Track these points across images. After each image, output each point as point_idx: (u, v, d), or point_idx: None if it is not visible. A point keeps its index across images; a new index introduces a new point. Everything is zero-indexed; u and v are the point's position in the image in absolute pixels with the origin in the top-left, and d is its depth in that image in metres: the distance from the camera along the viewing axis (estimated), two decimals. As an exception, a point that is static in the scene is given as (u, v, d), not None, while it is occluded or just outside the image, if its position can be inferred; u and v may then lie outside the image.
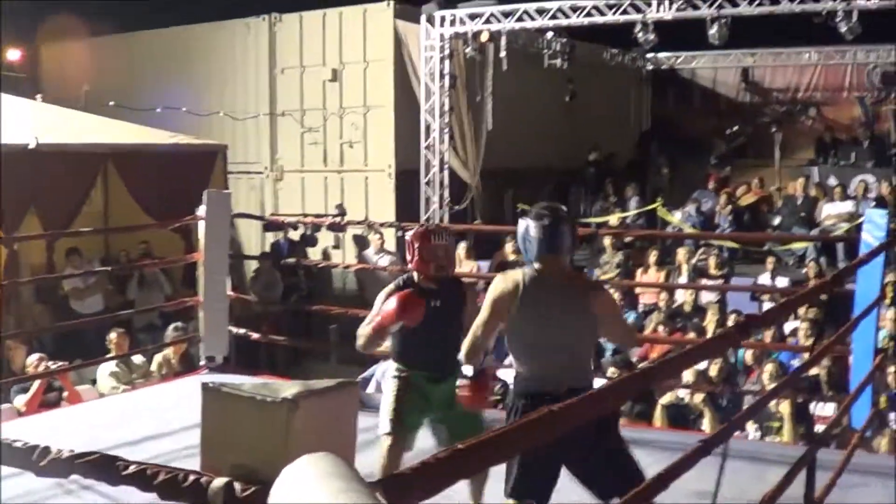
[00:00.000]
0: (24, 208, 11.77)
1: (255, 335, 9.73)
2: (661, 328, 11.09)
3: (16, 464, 2.27)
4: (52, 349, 10.12)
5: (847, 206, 15.10)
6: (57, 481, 5.35)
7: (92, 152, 13.10)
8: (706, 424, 8.46)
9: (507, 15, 14.69)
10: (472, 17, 15.03)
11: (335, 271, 15.30)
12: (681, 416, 8.76)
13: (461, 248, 13.91)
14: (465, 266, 13.64)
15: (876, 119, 19.37)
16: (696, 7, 13.29)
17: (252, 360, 12.22)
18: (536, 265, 4.38)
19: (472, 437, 2.09)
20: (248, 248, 16.26)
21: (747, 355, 9.84)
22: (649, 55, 20.65)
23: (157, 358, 9.79)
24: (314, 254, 15.14)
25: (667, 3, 13.43)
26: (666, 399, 8.77)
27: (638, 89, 22.11)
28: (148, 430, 6.99)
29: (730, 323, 10.11)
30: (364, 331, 5.17)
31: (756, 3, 12.91)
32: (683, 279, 13.01)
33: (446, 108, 15.60)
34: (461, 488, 5.10)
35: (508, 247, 14.09)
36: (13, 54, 18.73)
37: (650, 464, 4.20)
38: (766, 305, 11.27)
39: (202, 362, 8.83)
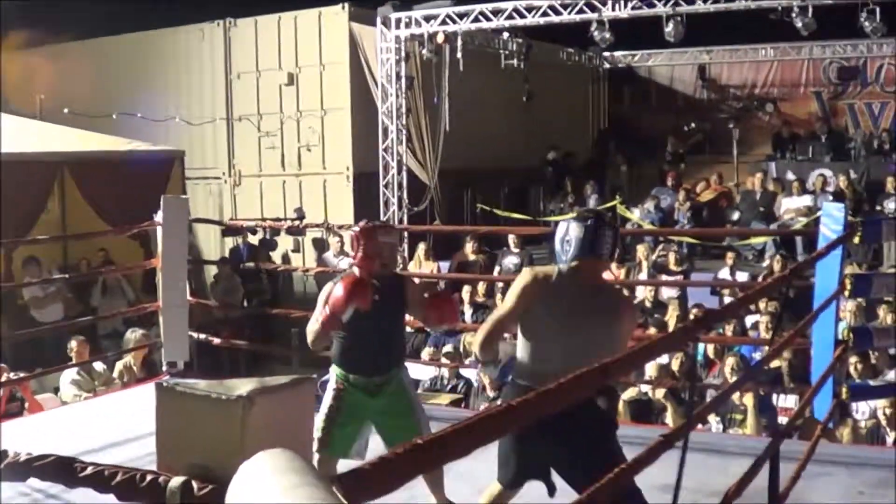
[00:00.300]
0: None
1: (216, 340, 9.72)
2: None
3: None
4: (12, 360, 10.01)
5: (805, 201, 15.23)
6: (22, 491, 5.30)
7: (48, 161, 13.01)
8: (669, 419, 8.50)
9: (462, 16, 14.69)
10: (428, 18, 15.02)
11: (295, 275, 15.26)
12: (644, 411, 8.79)
13: (420, 249, 13.96)
14: (424, 267, 13.66)
15: (833, 114, 19.59)
16: (651, 5, 13.32)
17: (214, 365, 12.22)
18: (573, 264, 4.30)
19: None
20: (207, 253, 16.21)
21: (709, 349, 9.91)
22: (606, 54, 20.71)
23: (119, 365, 9.71)
24: (275, 258, 15.11)
25: (622, 1, 13.48)
26: (628, 394, 8.81)
27: (595, 88, 22.16)
28: (111, 436, 6.94)
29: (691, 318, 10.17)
30: (313, 327, 5.11)
31: (711, 0, 12.99)
32: (643, 276, 13.08)
33: (403, 109, 15.60)
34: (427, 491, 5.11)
35: (468, 247, 14.12)
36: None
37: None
38: (728, 300, 11.33)
39: (164, 368, 8.78)
